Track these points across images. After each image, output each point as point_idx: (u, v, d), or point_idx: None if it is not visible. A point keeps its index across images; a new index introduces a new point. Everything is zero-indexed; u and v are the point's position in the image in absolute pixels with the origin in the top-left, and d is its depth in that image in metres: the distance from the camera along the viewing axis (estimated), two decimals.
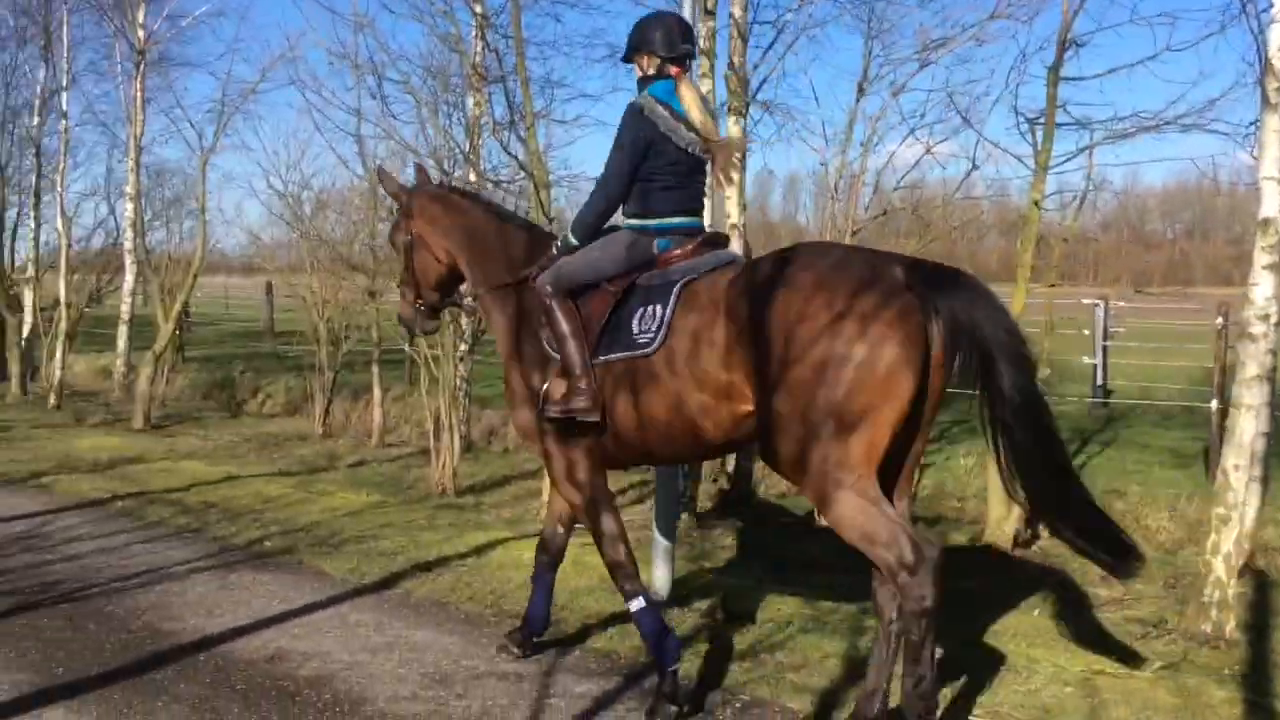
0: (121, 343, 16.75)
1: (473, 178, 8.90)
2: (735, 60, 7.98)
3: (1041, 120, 7.11)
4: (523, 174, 7.88)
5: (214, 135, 14.62)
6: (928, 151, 7.81)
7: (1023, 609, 5.99)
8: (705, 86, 7.81)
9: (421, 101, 8.32)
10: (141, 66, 16.61)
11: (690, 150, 4.76)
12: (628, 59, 4.98)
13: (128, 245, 16.95)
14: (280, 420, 14.28)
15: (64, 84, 17.10)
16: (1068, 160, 7.28)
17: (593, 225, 4.88)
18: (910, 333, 3.87)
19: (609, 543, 4.82)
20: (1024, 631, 5.58)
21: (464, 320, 9.69)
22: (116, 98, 18.35)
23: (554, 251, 4.95)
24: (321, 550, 7.20)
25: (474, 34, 8.89)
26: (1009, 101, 7.19)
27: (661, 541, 6.19)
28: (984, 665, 5.04)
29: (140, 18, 16.27)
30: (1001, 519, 7.24)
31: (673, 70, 4.82)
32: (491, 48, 7.80)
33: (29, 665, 4.96)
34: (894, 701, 4.14)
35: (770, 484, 9.47)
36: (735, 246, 7.93)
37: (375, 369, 12.27)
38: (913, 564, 3.84)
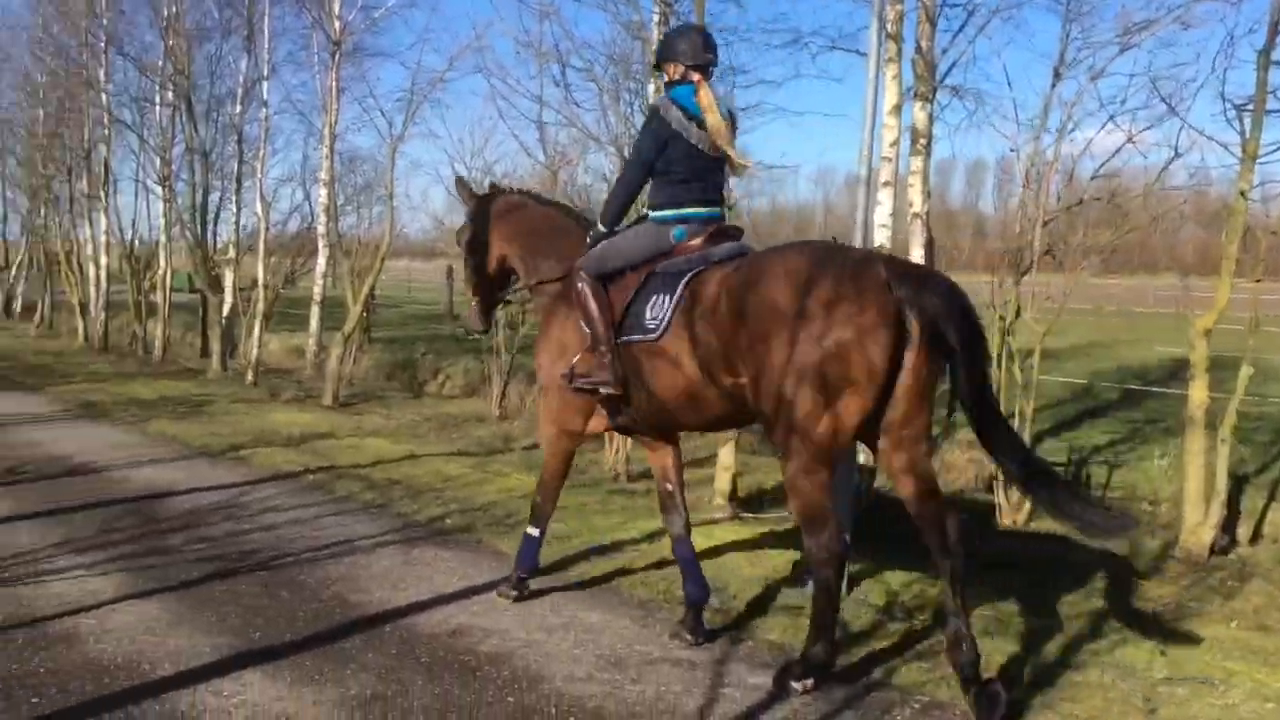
0: (314, 323, 17.50)
1: None
2: (923, 44, 7.79)
3: (1250, 107, 6.71)
4: None
5: (403, 123, 15.09)
6: (1129, 140, 7.45)
7: (1219, 619, 5.70)
8: (891, 71, 7.66)
9: (603, 89, 8.41)
10: (337, 57, 17.25)
11: (702, 147, 5.23)
12: (657, 66, 5.55)
13: (321, 229, 17.68)
14: (459, 401, 14.66)
15: (264, 74, 17.94)
16: (1278, 150, 6.86)
17: (615, 212, 5.48)
18: (882, 324, 4.33)
19: (547, 489, 5.92)
20: (1221, 643, 5.30)
21: None
22: (313, 87, 19.22)
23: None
24: (499, 530, 7.37)
25: (656, 20, 8.92)
26: (1215, 87, 6.79)
27: None
28: (1177, 678, 4.81)
29: (336, 9, 16.89)
30: (1197, 525, 6.88)
31: (694, 77, 5.30)
32: None
33: (229, 629, 5.23)
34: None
35: (950, 479, 9.27)
36: (918, 235, 7.78)
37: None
38: (837, 546, 4.59)
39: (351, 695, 4.46)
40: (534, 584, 6.12)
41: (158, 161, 18.54)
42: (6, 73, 23.82)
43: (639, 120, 9.02)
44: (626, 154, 8.76)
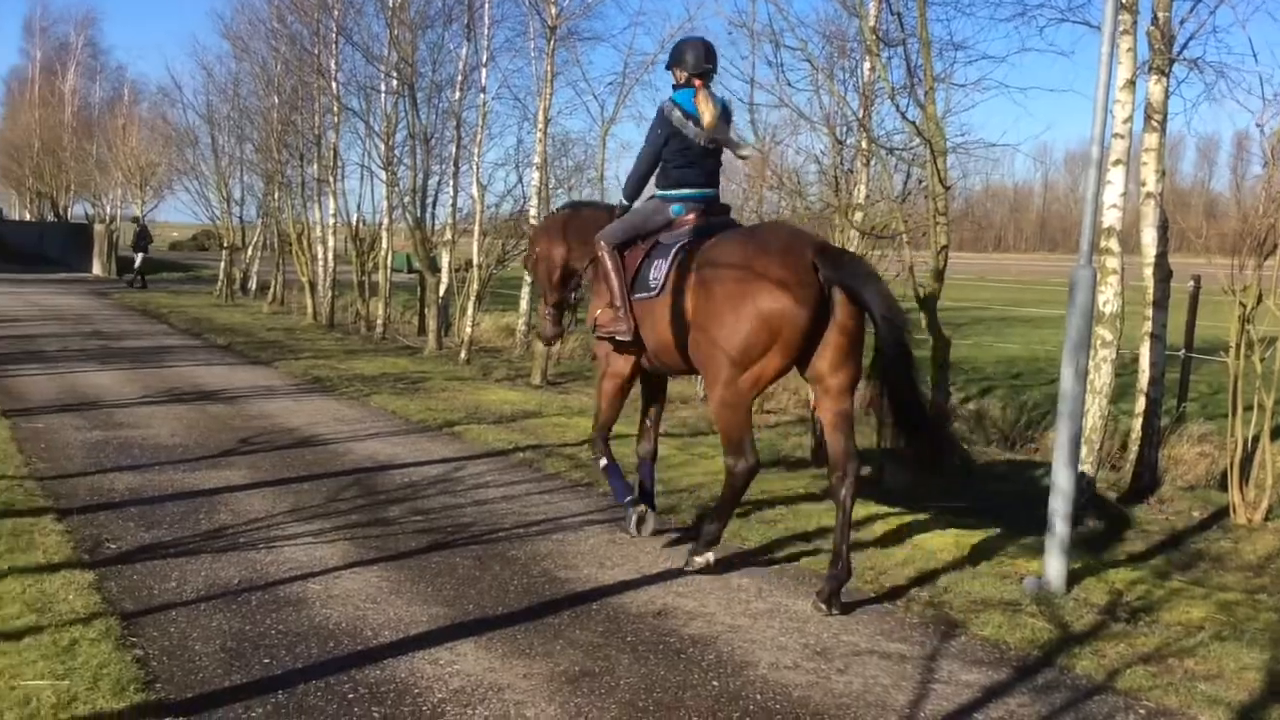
0: (523, 304, 17.91)
1: (865, 144, 8.77)
2: (1159, 15, 7.34)
3: None
4: (918, 140, 7.65)
5: (614, 106, 15.33)
6: None
7: None
8: (1125, 44, 7.24)
9: (817, 67, 8.26)
10: (552, 42, 17.60)
11: (699, 141, 6.32)
12: (669, 68, 6.55)
13: (532, 212, 18.08)
14: (671, 382, 14.75)
15: (483, 60, 18.42)
16: None
17: (633, 187, 6.66)
18: (803, 296, 5.45)
19: (600, 426, 7.12)
20: None
21: None
22: (528, 72, 19.61)
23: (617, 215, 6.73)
24: (703, 513, 7.37)
25: None
26: None
27: (1058, 531, 5.83)
28: None
29: None
30: None
31: (695, 83, 6.37)
32: (893, 10, 7.59)
33: (443, 600, 5.40)
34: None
35: (1178, 473, 8.76)
36: (1151, 216, 7.35)
37: None
38: (748, 455, 5.91)
39: (560, 670, 4.54)
40: (739, 569, 6.10)
41: (382, 146, 19.32)
42: (246, 64, 25.31)
43: (853, 99, 8.86)
44: (839, 134, 8.66)
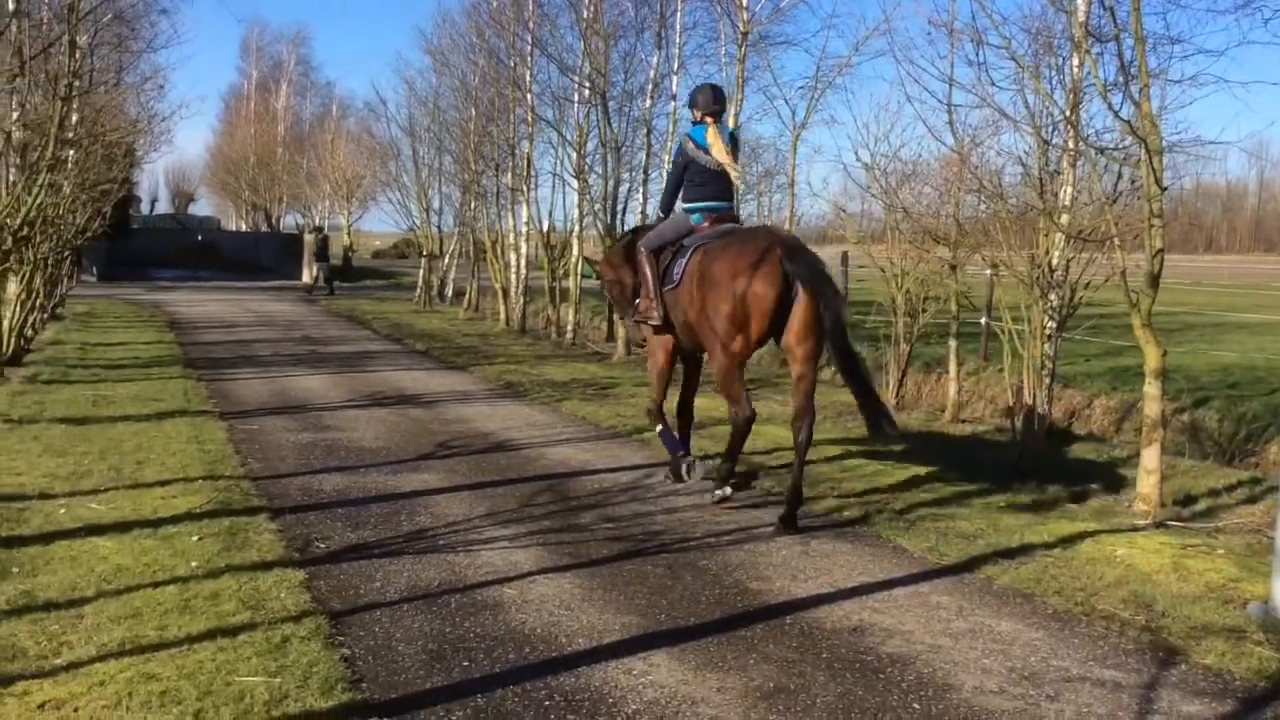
0: None
1: (1072, 144, 8.39)
2: None
3: None
4: (1130, 139, 7.25)
5: (805, 111, 15.17)
6: None
7: None
8: None
9: (1022, 65, 7.93)
10: (743, 47, 17.54)
11: (710, 167, 7.88)
12: (688, 107, 8.31)
13: None
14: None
15: (674, 67, 18.53)
16: None
17: (666, 203, 8.47)
18: (770, 282, 6.97)
19: (653, 401, 8.59)
20: None
21: (1053, 296, 9.20)
22: (718, 78, 19.59)
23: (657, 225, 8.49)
24: (898, 525, 7.17)
25: None
26: None
27: None
28: None
29: (745, 1, 17.14)
30: None
31: (708, 120, 7.94)
32: (1105, 5, 7.22)
33: (635, 609, 5.39)
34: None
35: None
36: None
37: (952, 343, 12.09)
38: (744, 404, 7.51)
39: (755, 686, 4.46)
40: (937, 585, 5.91)
41: (574, 155, 19.64)
42: (447, 78, 26.12)
43: (1059, 97, 8.50)
44: (1044, 134, 8.33)
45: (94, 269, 37.69)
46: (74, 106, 11.63)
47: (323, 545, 6.33)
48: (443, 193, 30.33)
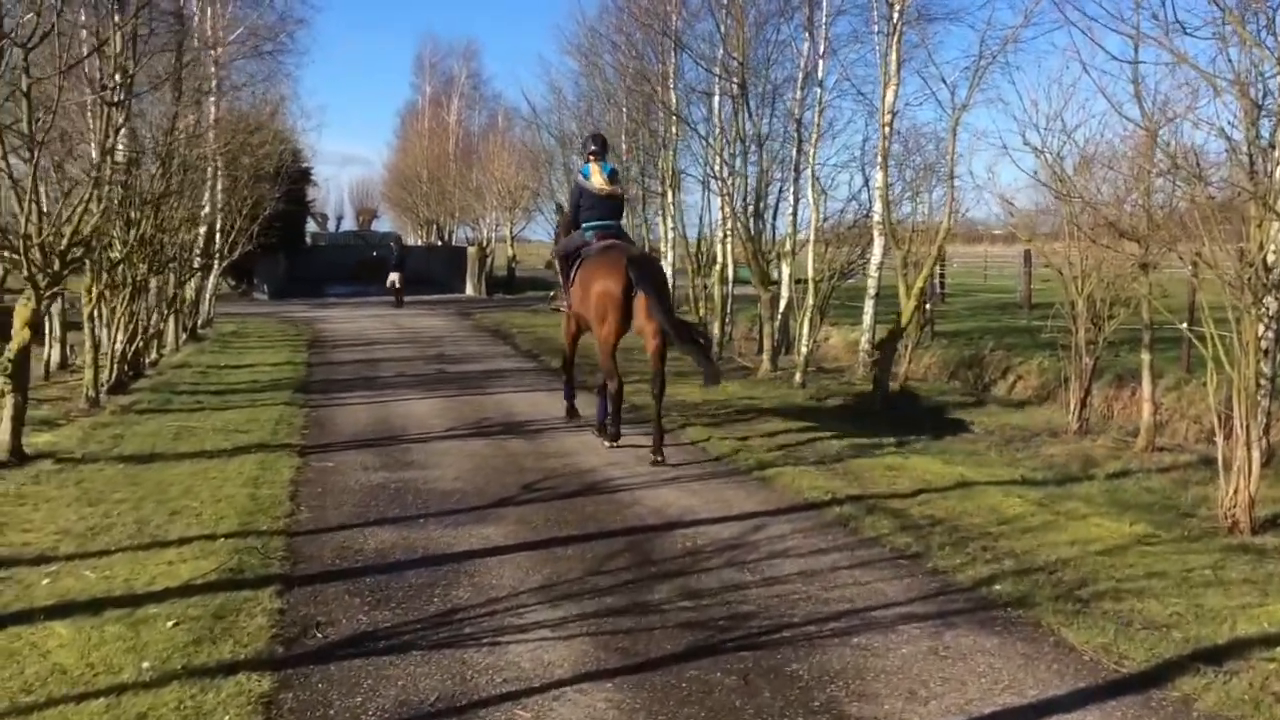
0: (866, 318, 16.25)
1: None
2: None
3: None
4: None
5: (967, 91, 13.30)
6: None
7: None
8: None
9: (1227, 12, 6.16)
10: (898, 25, 15.81)
11: (598, 193, 10.47)
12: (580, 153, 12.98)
13: (876, 217, 16.34)
14: (1029, 409, 12.67)
15: (820, 51, 16.91)
16: None
17: (566, 226, 11.09)
18: (618, 284, 9.62)
19: (564, 366, 11.99)
20: None
21: (1270, 300, 7.33)
22: (871, 60, 17.90)
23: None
24: (1066, 606, 5.50)
25: None
26: None
27: None
28: None
29: None
30: None
31: (590, 159, 10.58)
32: None
33: None
34: None
35: None
36: None
37: (1145, 356, 10.15)
38: (614, 378, 9.98)
39: None
40: (1114, 708, 4.28)
41: (717, 156, 18.23)
42: (593, 79, 25.03)
43: (1271, 44, 6.65)
44: (1253, 98, 6.54)
45: (265, 287, 38.29)
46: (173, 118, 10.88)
47: (320, 634, 5.12)
48: None
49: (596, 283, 9.74)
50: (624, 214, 11.46)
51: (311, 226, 72.15)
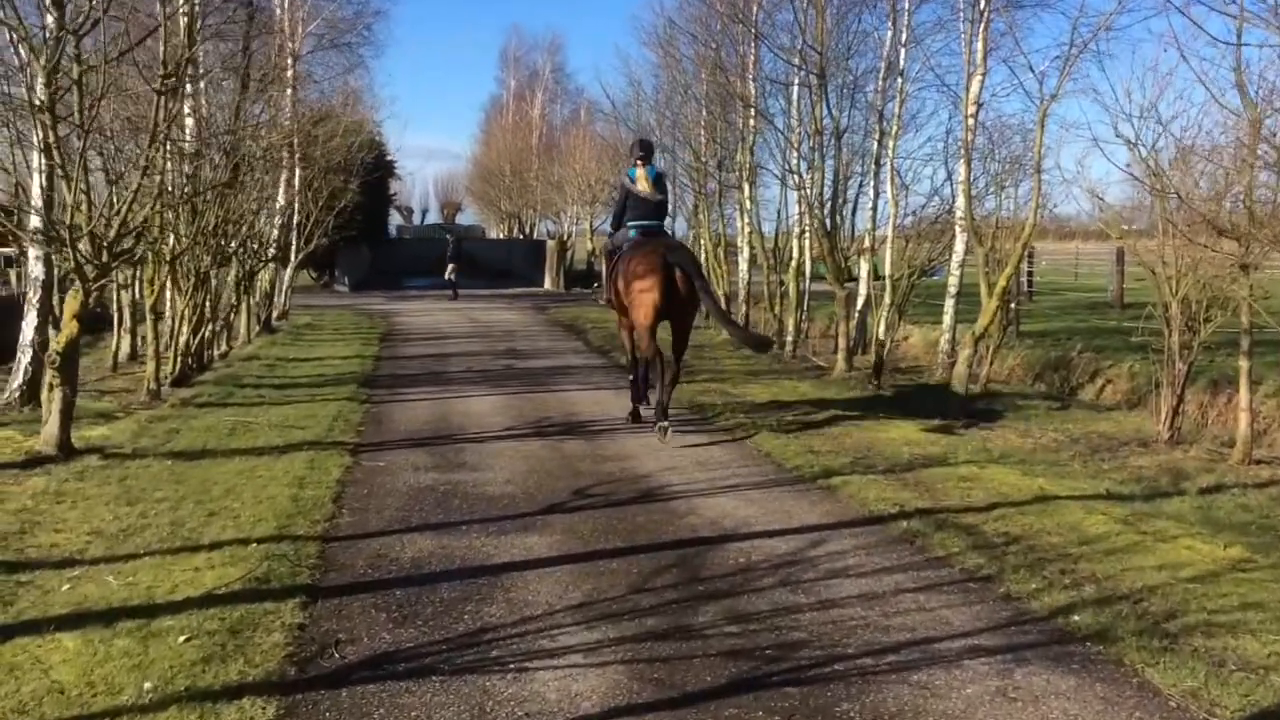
0: (947, 318, 15.62)
1: None
2: None
3: None
4: None
5: (1057, 81, 12.63)
6: None
7: None
8: None
9: None
10: (985, 13, 15.15)
11: (642, 196, 11.01)
12: (629, 155, 12.18)
13: (958, 212, 15.69)
14: (1117, 416, 11.99)
15: (903, 40, 16.29)
16: None
17: (615, 224, 11.51)
18: (660, 274, 9.95)
19: (629, 356, 11.72)
20: None
21: None
22: (954, 48, 17.20)
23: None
24: (1152, 642, 4.96)
25: None
26: None
27: None
28: None
29: None
30: None
31: (638, 163, 11.12)
32: None
33: None
34: None
35: None
36: None
37: (1243, 364, 9.45)
38: (650, 358, 10.44)
39: None
40: None
41: (794, 149, 17.73)
42: (670, 72, 24.55)
43: None
44: None
45: (346, 279, 38.51)
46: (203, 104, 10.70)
47: (339, 654, 4.79)
48: (674, 192, 28.80)
49: (637, 272, 10.17)
50: (667, 215, 11.97)
51: (396, 219, 72.99)
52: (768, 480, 8.47)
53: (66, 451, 8.57)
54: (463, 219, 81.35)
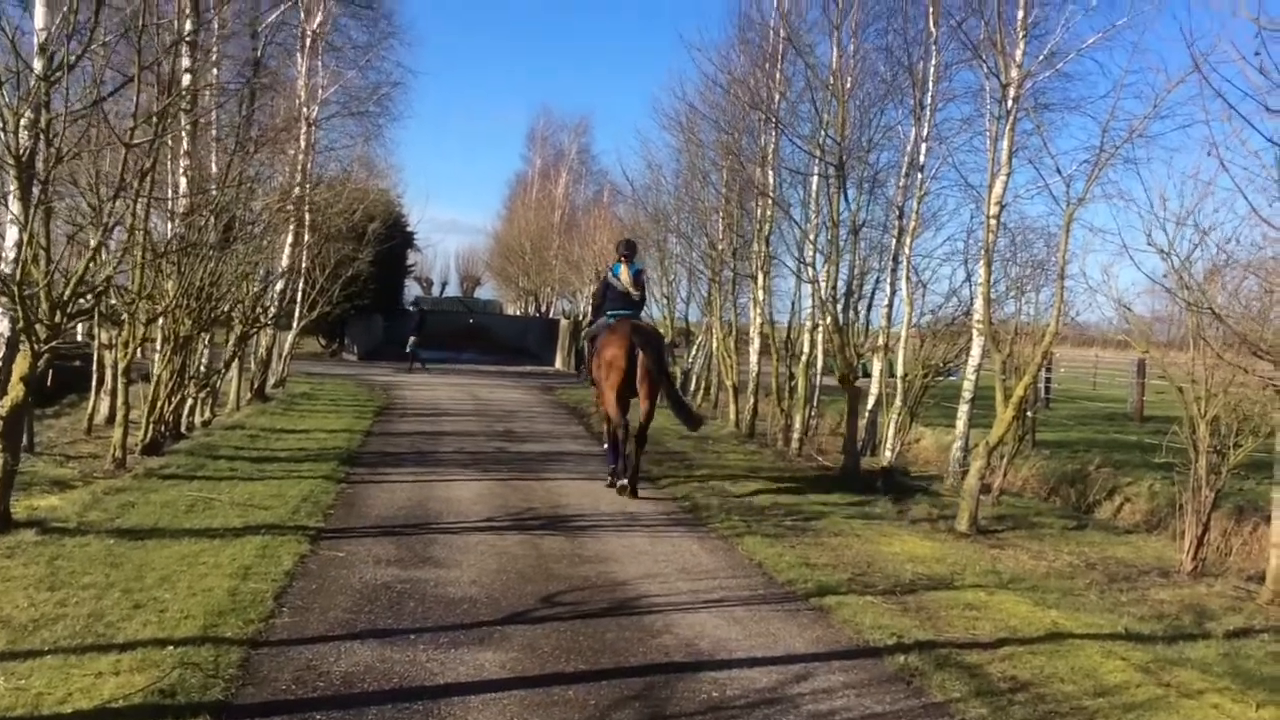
0: (960, 424, 14.90)
1: None
2: None
3: None
4: None
5: (1085, 184, 12.09)
6: None
7: None
8: None
9: None
10: (1013, 113, 14.69)
11: (622, 291, 12.69)
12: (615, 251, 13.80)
13: (976, 315, 15.09)
14: (1136, 540, 11.24)
15: (925, 134, 15.85)
16: None
17: (594, 314, 13.43)
18: (623, 345, 11.77)
19: (600, 419, 14.13)
20: None
21: None
22: (981, 148, 16.73)
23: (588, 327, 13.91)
24: None
25: None
26: None
27: None
28: None
29: (1018, 57, 14.31)
30: None
31: (621, 260, 12.82)
32: None
33: None
34: None
35: None
36: None
37: (1277, 495, 8.74)
38: (618, 423, 12.05)
39: None
40: None
41: (810, 241, 17.23)
42: (684, 154, 24.21)
43: None
44: None
45: (355, 348, 38.13)
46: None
47: None
48: (689, 281, 28.36)
49: (606, 348, 11.85)
50: (642, 309, 13.58)
51: (415, 290, 72.99)
52: (756, 596, 7.77)
53: (4, 524, 7.96)
54: (481, 293, 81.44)
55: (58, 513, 8.75)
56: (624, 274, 12.57)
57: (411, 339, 34.42)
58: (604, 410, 12.51)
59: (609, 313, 12.67)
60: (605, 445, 12.95)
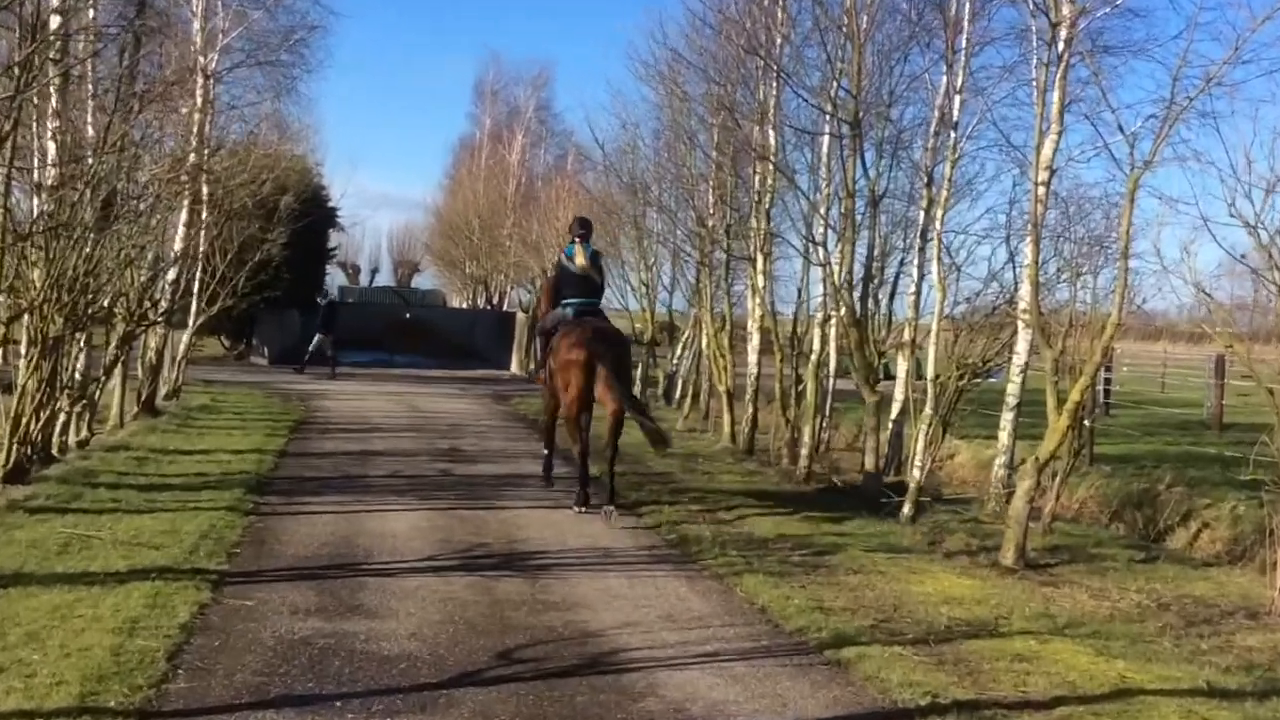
0: (1004, 436, 14.94)
1: None
2: None
3: None
4: None
5: (1153, 144, 12.10)
6: None
7: None
8: None
9: None
10: (1065, 57, 14.69)
11: (577, 273, 13.78)
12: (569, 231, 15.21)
13: (1023, 303, 15.12)
14: (1217, 574, 11.32)
15: (957, 85, 15.86)
16: None
17: (550, 303, 14.34)
18: (582, 354, 12.73)
19: (546, 428, 15.23)
20: None
21: None
22: (1026, 102, 16.76)
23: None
24: None
25: None
26: None
27: None
28: None
29: None
30: None
31: (576, 240, 13.92)
32: None
33: None
34: None
35: None
36: None
37: None
38: (578, 443, 13.14)
39: None
40: None
41: (819, 215, 17.27)
42: (666, 110, 24.25)
43: None
44: None
45: (265, 350, 37.93)
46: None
47: None
48: (673, 265, 28.42)
49: (564, 355, 12.79)
50: (602, 295, 14.57)
51: (339, 279, 72.85)
52: (758, 647, 7.77)
53: None
54: (420, 281, 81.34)
55: None
56: (579, 254, 13.67)
57: (318, 337, 33.89)
58: (560, 415, 13.80)
59: (565, 301, 13.71)
60: (543, 447, 14.92)
